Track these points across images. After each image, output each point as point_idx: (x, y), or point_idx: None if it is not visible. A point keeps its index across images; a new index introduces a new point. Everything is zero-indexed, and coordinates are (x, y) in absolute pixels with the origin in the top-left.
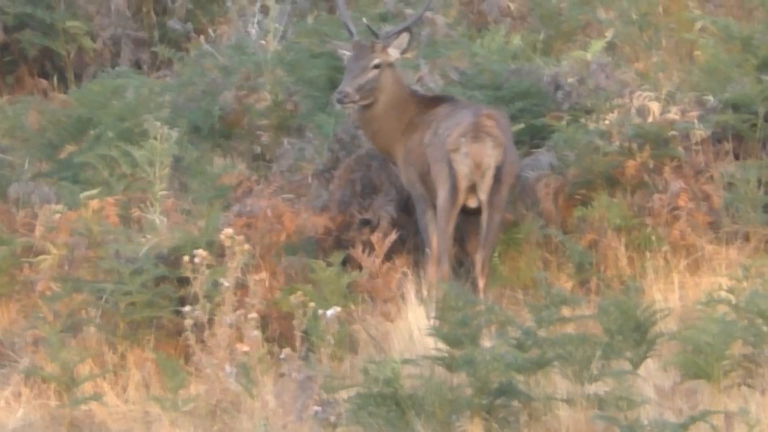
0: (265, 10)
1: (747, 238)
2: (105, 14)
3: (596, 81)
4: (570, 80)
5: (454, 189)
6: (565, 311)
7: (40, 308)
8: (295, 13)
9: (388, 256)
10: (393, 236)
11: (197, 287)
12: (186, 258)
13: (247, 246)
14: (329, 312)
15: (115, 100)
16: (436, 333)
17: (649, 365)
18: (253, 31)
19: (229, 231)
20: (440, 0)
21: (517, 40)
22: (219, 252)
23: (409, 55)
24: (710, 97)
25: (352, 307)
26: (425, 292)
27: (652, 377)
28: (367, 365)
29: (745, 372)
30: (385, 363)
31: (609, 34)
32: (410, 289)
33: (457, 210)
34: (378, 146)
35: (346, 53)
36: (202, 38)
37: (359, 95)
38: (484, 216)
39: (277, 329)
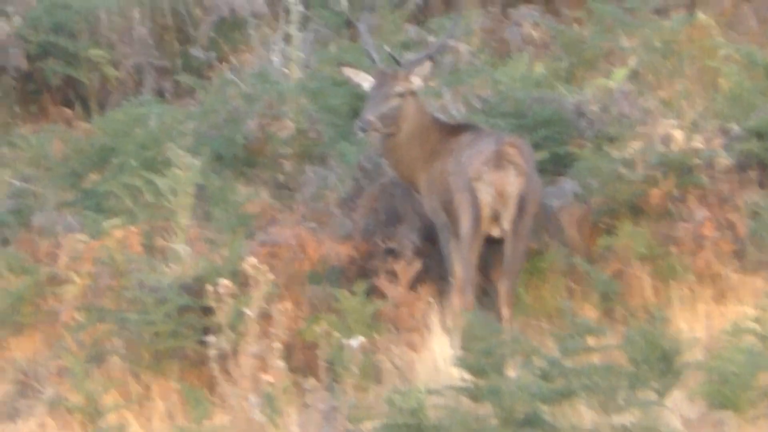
0: (287, 38)
1: None
2: (128, 43)
3: (619, 109)
4: (593, 108)
5: (477, 218)
6: (590, 341)
7: (64, 338)
8: (318, 41)
9: (413, 286)
10: (417, 265)
11: (221, 317)
12: (210, 287)
13: (270, 275)
14: (354, 342)
15: (138, 128)
16: (461, 363)
17: (676, 395)
18: (276, 59)
19: (253, 260)
20: (463, 28)
21: (540, 68)
22: (243, 281)
23: (431, 83)
24: (734, 125)
25: (377, 336)
26: (450, 322)
27: (678, 407)
28: (392, 395)
29: None
30: (409, 393)
31: (632, 62)
32: (435, 319)
33: (480, 239)
34: (401, 175)
35: (353, 77)
36: (225, 66)
37: (382, 123)
38: (508, 245)
39: (302, 359)
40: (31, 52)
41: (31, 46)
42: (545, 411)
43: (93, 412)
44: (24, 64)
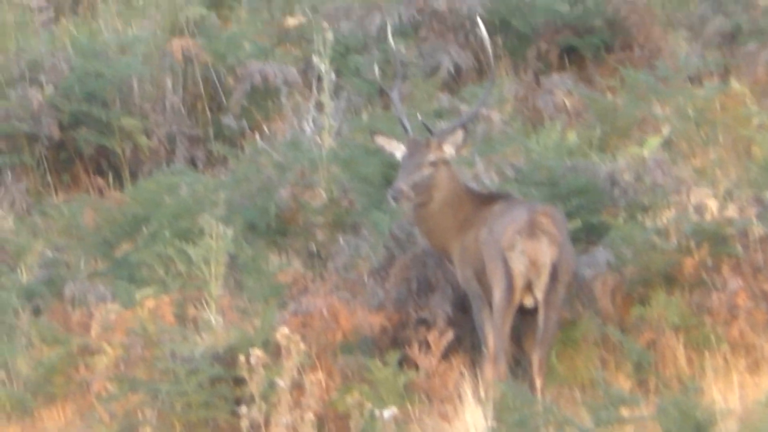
0: (319, 106)
1: None
2: (160, 112)
3: (653, 178)
4: (626, 177)
5: (510, 287)
6: (624, 411)
7: (96, 409)
8: (350, 109)
9: (445, 356)
10: (449, 335)
11: (253, 387)
12: (242, 357)
13: (302, 345)
14: (386, 412)
15: (171, 197)
16: None
17: None
18: (308, 127)
19: (285, 330)
20: (495, 96)
21: (573, 137)
22: (275, 351)
23: (464, 151)
24: None
25: (409, 407)
26: (482, 392)
27: None
28: None
29: None
30: None
31: (665, 131)
32: (467, 389)
33: (513, 308)
34: (433, 244)
35: (385, 146)
36: (257, 135)
37: (414, 192)
38: (541, 314)
39: (334, 430)
40: (63, 121)
41: (63, 114)
42: None
43: None
44: (56, 133)
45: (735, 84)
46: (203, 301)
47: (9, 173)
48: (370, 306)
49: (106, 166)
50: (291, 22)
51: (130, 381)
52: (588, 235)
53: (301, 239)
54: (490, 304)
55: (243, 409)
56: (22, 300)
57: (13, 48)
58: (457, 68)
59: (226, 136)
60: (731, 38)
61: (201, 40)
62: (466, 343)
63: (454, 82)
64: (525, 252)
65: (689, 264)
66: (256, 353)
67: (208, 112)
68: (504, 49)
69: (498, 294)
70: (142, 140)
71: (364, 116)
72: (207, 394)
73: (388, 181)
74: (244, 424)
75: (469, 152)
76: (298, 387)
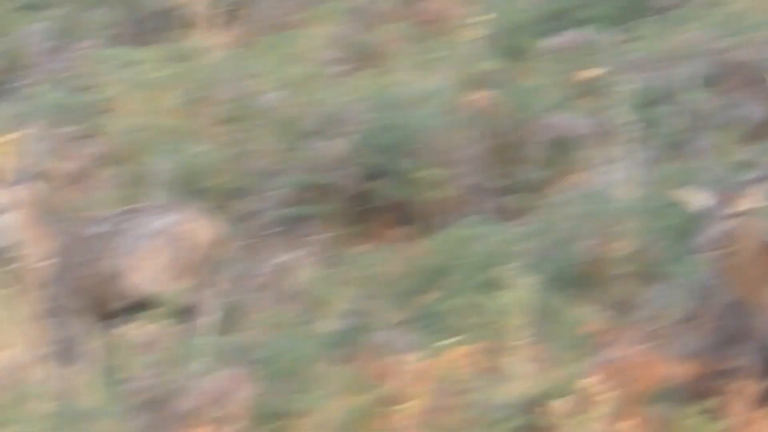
0: (620, 158)
1: None
2: (460, 163)
3: None
4: None
5: None
6: None
7: None
8: (651, 160)
9: (762, 404)
10: (763, 384)
11: None
12: (547, 407)
13: (611, 394)
14: None
15: (473, 248)
16: None
17: None
18: (609, 179)
19: (592, 379)
20: None
21: None
22: (582, 401)
23: None
24: None
25: None
26: None
27: None
28: None
29: None
30: None
31: None
32: None
33: None
34: (742, 293)
35: (691, 197)
36: (557, 186)
37: (720, 243)
38: None
39: None
40: (363, 173)
41: (363, 167)
42: None
43: None
44: (357, 185)
45: None
46: (508, 351)
47: (311, 224)
48: (678, 355)
49: (407, 217)
50: (589, 73)
51: (439, 429)
52: None
53: (607, 289)
54: None
55: None
56: (329, 348)
57: (314, 100)
58: (761, 120)
59: (525, 188)
60: None
61: (497, 93)
62: None
63: (757, 134)
64: None
65: None
66: (561, 402)
67: (507, 164)
68: None
69: None
70: (443, 192)
71: (666, 168)
72: None
73: (694, 232)
74: None
75: None
76: None
